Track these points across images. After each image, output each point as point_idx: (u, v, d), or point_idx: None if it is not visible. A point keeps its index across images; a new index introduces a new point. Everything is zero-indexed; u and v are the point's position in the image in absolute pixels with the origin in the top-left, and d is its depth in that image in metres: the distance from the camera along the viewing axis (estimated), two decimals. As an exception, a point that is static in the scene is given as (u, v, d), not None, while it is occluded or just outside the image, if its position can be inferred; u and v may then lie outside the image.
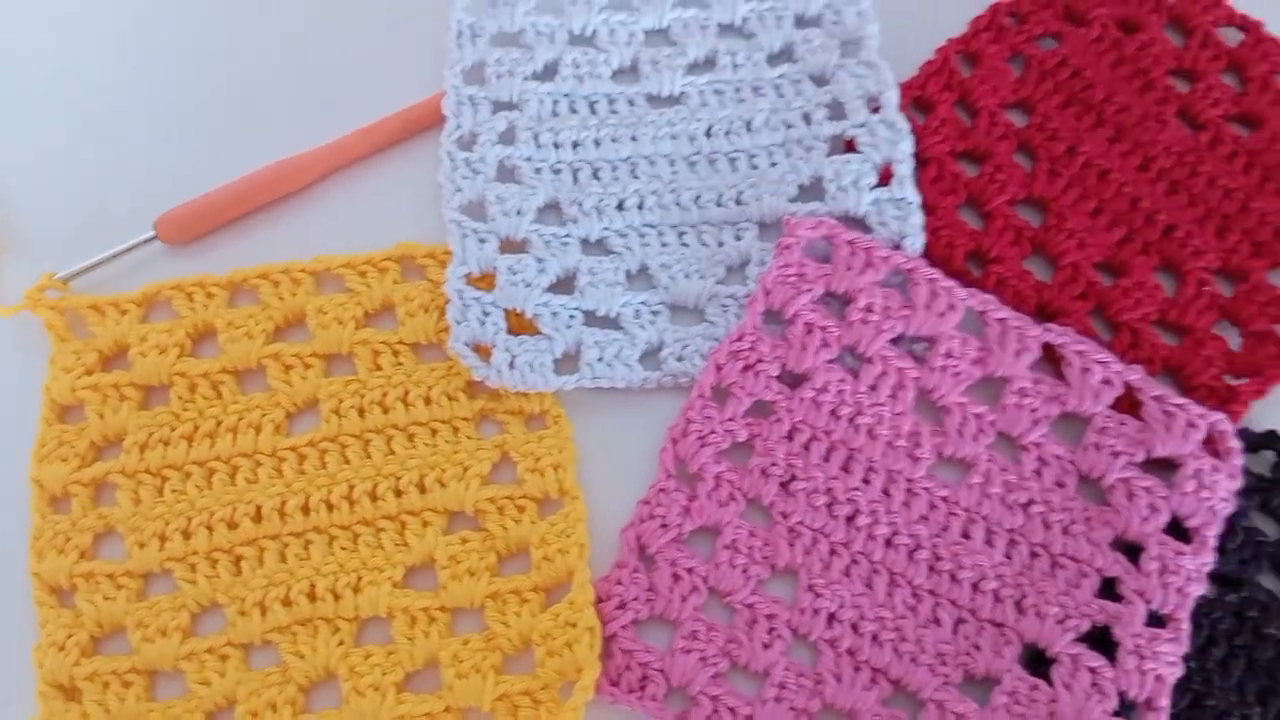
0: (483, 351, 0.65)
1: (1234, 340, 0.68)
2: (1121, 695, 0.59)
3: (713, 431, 0.64)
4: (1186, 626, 0.60)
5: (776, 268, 0.67)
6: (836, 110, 0.73)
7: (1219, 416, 0.63)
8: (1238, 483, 0.63)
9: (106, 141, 0.74)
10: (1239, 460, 0.63)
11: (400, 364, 0.66)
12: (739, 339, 0.66)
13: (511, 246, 0.68)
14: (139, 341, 0.66)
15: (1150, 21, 0.75)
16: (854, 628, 0.61)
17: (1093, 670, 0.59)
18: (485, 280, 0.67)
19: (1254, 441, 0.66)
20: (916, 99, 0.73)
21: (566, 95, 0.73)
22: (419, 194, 0.71)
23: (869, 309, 0.66)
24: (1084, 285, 0.68)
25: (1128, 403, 0.65)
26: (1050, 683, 0.59)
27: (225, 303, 0.67)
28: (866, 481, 0.64)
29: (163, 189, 0.70)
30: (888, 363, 0.66)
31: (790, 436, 0.65)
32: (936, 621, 0.61)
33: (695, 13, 0.75)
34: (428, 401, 0.65)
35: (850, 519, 0.63)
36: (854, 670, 0.60)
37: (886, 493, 0.64)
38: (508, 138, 0.71)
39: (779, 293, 0.66)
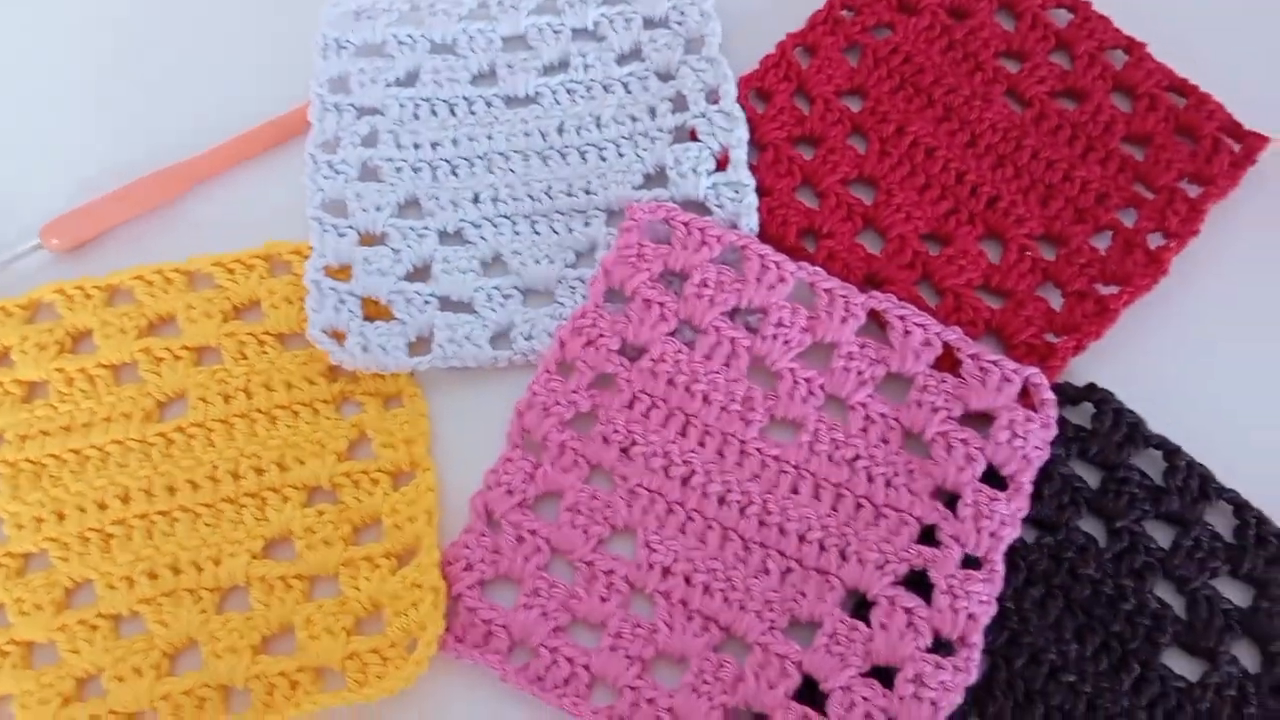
0: (339, 337, 0.69)
1: (1058, 301, 0.71)
2: (937, 634, 0.61)
3: (557, 402, 0.67)
4: (1000, 568, 0.63)
5: (617, 249, 0.70)
6: (680, 103, 0.76)
7: (1032, 370, 0.66)
8: (1052, 432, 0.66)
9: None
10: (1053, 411, 0.66)
11: (265, 353, 0.69)
12: (581, 316, 0.69)
13: (371, 240, 0.72)
14: (20, 341, 0.69)
15: (979, 8, 0.79)
16: (686, 579, 0.64)
17: (908, 610, 0.62)
18: (343, 272, 0.71)
19: (1074, 395, 0.68)
20: (757, 90, 0.77)
21: (427, 99, 0.76)
22: (289, 199, 0.74)
23: (703, 284, 0.69)
24: (911, 255, 0.72)
25: (949, 362, 0.68)
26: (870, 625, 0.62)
27: (103, 303, 0.71)
28: (702, 444, 0.67)
29: (48, 200, 0.74)
30: (721, 333, 0.69)
31: (630, 405, 0.68)
32: (765, 571, 0.64)
33: (550, 19, 0.79)
34: (289, 386, 0.69)
35: (686, 479, 0.66)
36: (686, 619, 0.63)
37: (720, 454, 0.67)
38: (370, 140, 0.75)
39: (619, 271, 0.70)
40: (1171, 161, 0.73)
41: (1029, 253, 0.71)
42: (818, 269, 0.70)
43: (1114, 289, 0.70)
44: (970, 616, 0.61)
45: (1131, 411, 0.68)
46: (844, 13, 0.79)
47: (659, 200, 0.73)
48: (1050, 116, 0.75)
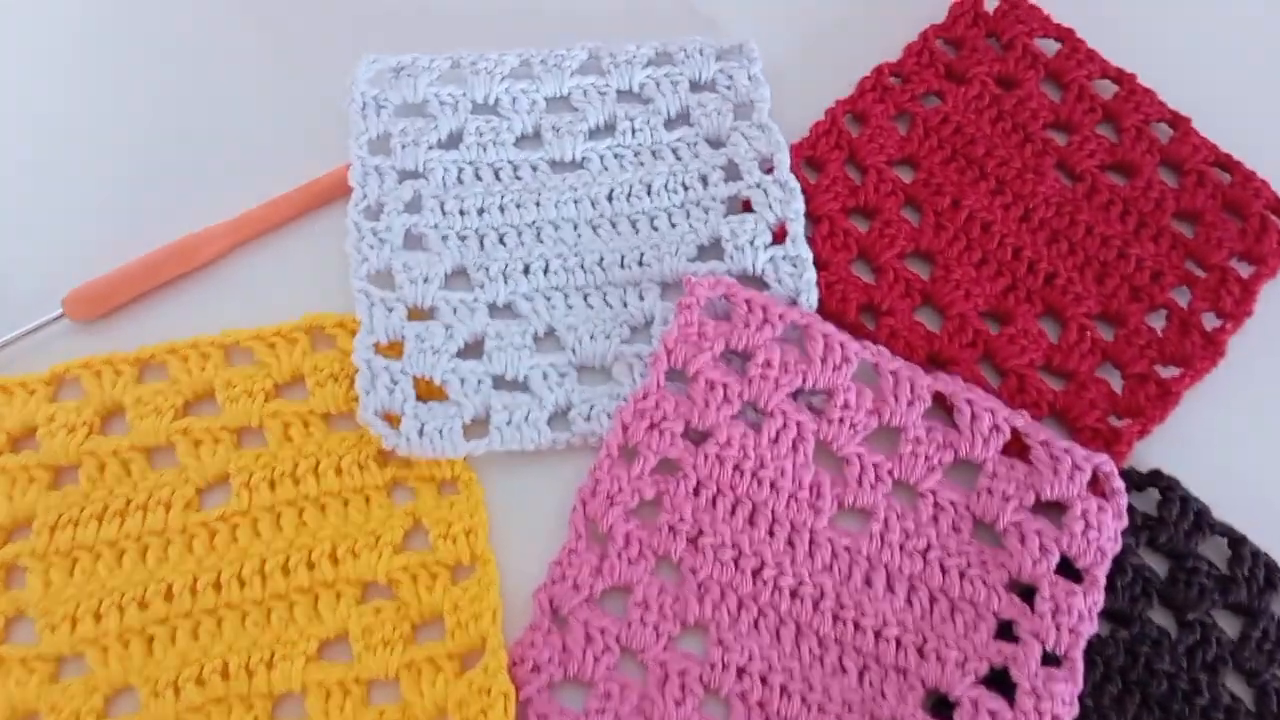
0: (392, 420, 0.62)
1: (1116, 382, 0.67)
2: (1021, 735, 0.57)
3: (621, 490, 0.62)
4: (1080, 665, 0.59)
5: (678, 327, 0.65)
6: (732, 171, 0.71)
7: (1103, 458, 0.62)
8: (1123, 522, 0.62)
9: (9, 221, 0.70)
10: (1124, 500, 0.62)
11: (311, 434, 0.63)
12: (644, 398, 0.63)
13: (419, 314, 0.66)
14: (47, 421, 0.62)
15: (1027, 78, 0.75)
16: (763, 680, 0.59)
17: (992, 713, 0.57)
18: (393, 348, 0.64)
19: (1139, 481, 0.65)
20: (808, 158, 0.72)
21: (471, 163, 0.70)
22: (326, 265, 0.67)
23: (767, 364, 0.64)
24: (971, 334, 0.67)
25: (1016, 445, 0.63)
26: (953, 726, 0.58)
27: (134, 379, 0.63)
28: (771, 534, 0.62)
29: (69, 266, 0.67)
30: (787, 416, 0.64)
31: (696, 492, 0.63)
32: (842, 670, 0.59)
33: (594, 80, 0.73)
34: (339, 472, 0.62)
35: (756, 572, 0.61)
36: (764, 722, 0.58)
37: (790, 544, 0.62)
38: (414, 206, 0.68)
39: (681, 351, 0.64)
40: (1222, 240, 0.70)
41: (1089, 332, 0.67)
42: (881, 349, 0.65)
43: (1174, 371, 0.67)
44: (1054, 718, 0.57)
45: (1197, 499, 0.64)
46: (892, 79, 0.74)
47: (715, 274, 0.67)
48: (1102, 191, 0.71)
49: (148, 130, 0.73)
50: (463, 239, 0.68)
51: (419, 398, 0.63)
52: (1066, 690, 0.58)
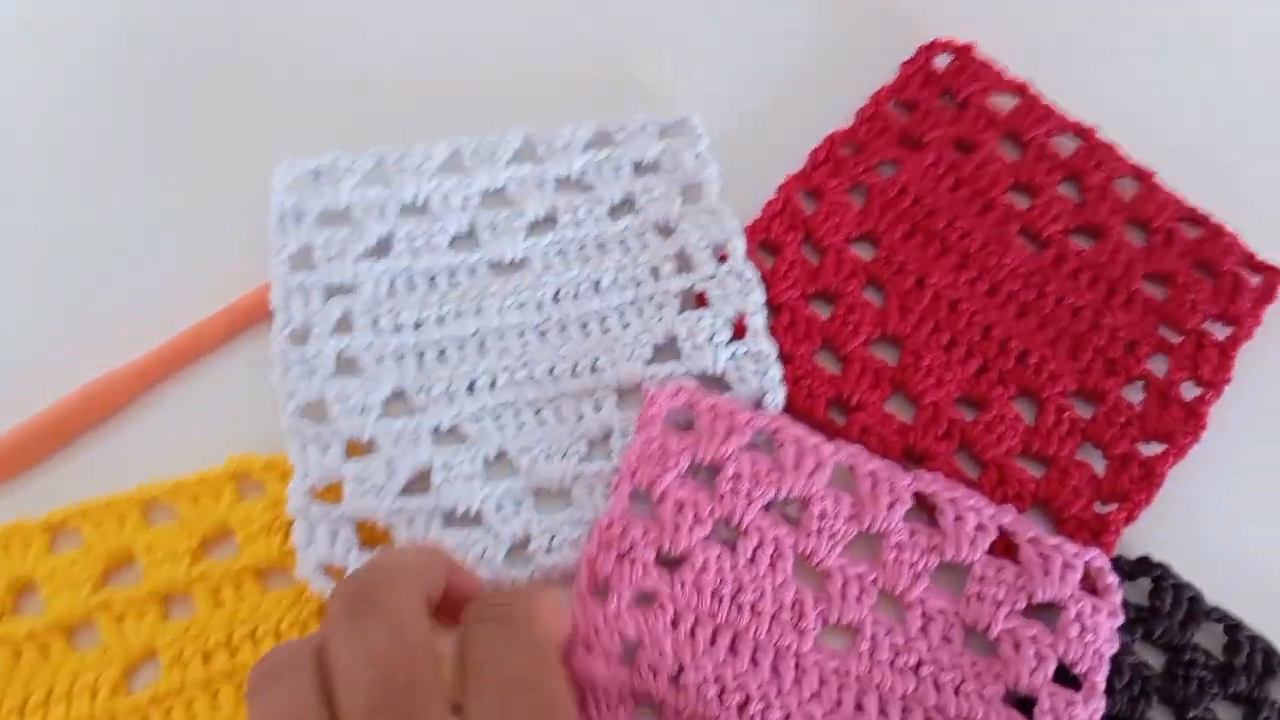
0: (335, 573, 0.57)
1: (1096, 460, 0.64)
2: None
3: (597, 633, 0.57)
4: (1086, 781, 0.56)
5: (639, 444, 0.60)
6: (684, 261, 0.66)
7: (1094, 553, 0.59)
8: (1119, 620, 0.59)
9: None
10: (1118, 597, 0.59)
11: (244, 597, 0.57)
12: (609, 526, 0.59)
13: (357, 447, 0.60)
14: (-50, 606, 0.55)
15: (985, 139, 0.71)
16: (758, 830, 0.55)
17: (1002, 844, 0.54)
18: (331, 491, 0.59)
19: (1129, 569, 0.62)
20: (763, 242, 0.68)
21: (404, 270, 0.65)
22: (250, 398, 0.61)
23: (738, 477, 0.60)
24: (946, 423, 0.63)
25: (1002, 544, 0.60)
26: None
27: (45, 549, 0.57)
28: (755, 663, 0.58)
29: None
30: (763, 532, 0.60)
31: (674, 624, 0.58)
32: (840, 809, 0.56)
33: (531, 169, 0.68)
34: (278, 636, 0.56)
35: (742, 707, 0.57)
36: None
37: (776, 671, 0.58)
38: (344, 326, 0.63)
39: (645, 471, 0.60)
40: (1196, 303, 0.67)
41: (1067, 413, 0.64)
42: (856, 449, 0.61)
43: (1156, 448, 0.64)
44: (1065, 842, 0.54)
45: (1189, 584, 0.61)
46: (845, 149, 0.70)
47: (674, 377, 0.63)
48: (1069, 258, 0.68)
49: (34, 261, 0.66)
50: (400, 358, 0.62)
51: (362, 544, 0.58)
52: (1075, 811, 0.55)
